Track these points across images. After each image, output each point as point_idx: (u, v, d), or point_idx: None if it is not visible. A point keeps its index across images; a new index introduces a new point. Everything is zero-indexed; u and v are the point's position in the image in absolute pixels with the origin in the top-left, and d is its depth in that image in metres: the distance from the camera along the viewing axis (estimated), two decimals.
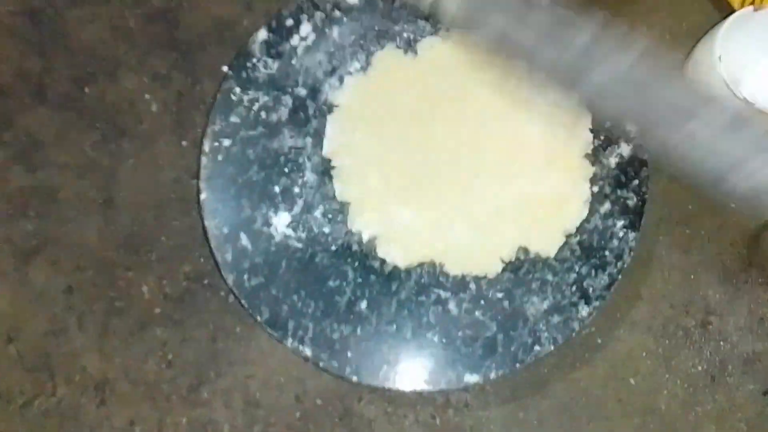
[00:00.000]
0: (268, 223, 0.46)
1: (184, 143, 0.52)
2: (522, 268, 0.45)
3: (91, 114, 0.53)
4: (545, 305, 0.44)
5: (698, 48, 0.46)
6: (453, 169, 0.46)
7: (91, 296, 0.49)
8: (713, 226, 0.48)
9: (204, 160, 0.47)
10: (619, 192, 0.45)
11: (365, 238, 0.46)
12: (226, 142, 0.47)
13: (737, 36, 0.44)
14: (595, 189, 0.45)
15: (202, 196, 0.46)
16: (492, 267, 0.45)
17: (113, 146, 0.52)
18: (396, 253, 0.45)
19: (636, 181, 0.45)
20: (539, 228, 0.45)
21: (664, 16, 0.52)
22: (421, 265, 0.45)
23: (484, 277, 0.45)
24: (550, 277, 0.44)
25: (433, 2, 0.36)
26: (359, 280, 0.45)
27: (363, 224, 0.46)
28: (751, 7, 0.44)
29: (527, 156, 0.45)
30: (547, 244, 0.44)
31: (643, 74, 0.34)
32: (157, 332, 0.48)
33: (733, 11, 0.47)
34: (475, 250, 0.45)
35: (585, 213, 0.45)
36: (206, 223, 0.46)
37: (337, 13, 0.49)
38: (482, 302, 0.44)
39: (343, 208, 0.46)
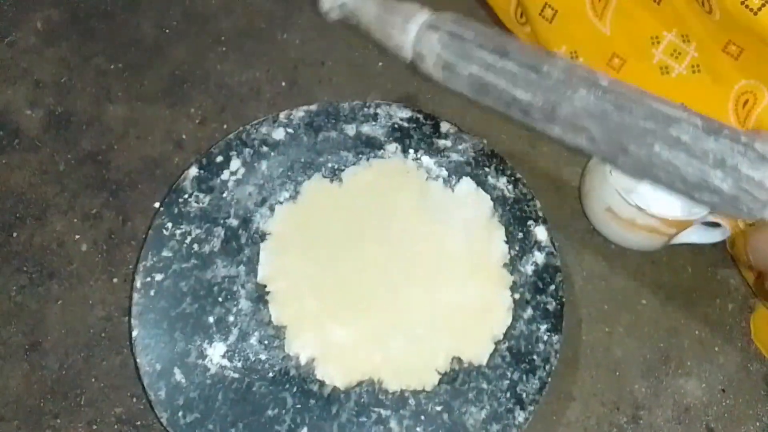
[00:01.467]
0: (203, 355, 0.46)
1: (115, 280, 0.52)
2: (458, 379, 0.46)
3: (19, 258, 0.52)
4: (483, 414, 0.45)
5: (591, 162, 0.52)
6: (384, 286, 0.48)
7: None
8: (630, 323, 0.51)
9: (136, 296, 0.47)
10: (538, 297, 0.48)
11: (303, 360, 0.46)
12: (159, 277, 0.48)
13: None
14: (517, 296, 0.48)
15: (134, 332, 0.46)
16: (429, 379, 0.46)
17: (41, 289, 0.51)
18: (335, 373, 0.46)
19: (552, 286, 0.48)
20: (469, 336, 0.46)
21: None
22: (360, 383, 0.46)
23: (423, 390, 0.45)
24: (485, 385, 0.45)
25: (413, 58, 0.38)
26: (298, 405, 0.45)
27: (300, 346, 0.46)
28: None
29: (451, 269, 0.48)
30: (478, 351, 0.46)
31: (616, 96, 0.34)
32: None
33: None
34: (412, 363, 0.46)
35: (509, 320, 0.47)
36: (138, 360, 0.45)
37: (264, 148, 0.53)
38: (423, 417, 0.44)
39: (279, 332, 0.47)
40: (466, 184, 0.51)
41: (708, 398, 0.49)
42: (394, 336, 0.47)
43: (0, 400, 0.47)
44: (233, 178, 0.52)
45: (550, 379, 0.45)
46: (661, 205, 0.47)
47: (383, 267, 0.49)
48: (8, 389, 0.48)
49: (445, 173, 0.52)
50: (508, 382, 0.45)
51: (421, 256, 0.49)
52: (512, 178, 0.51)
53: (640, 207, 0.46)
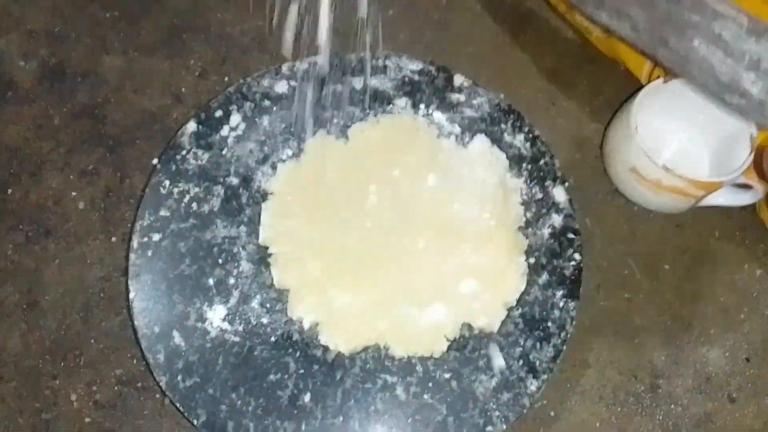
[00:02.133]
0: (202, 318, 0.44)
1: (113, 239, 0.50)
2: (467, 346, 0.44)
3: (14, 216, 0.50)
4: (494, 383, 0.43)
5: (615, 120, 0.48)
6: (391, 249, 0.46)
7: (14, 409, 0.45)
8: (651, 289, 0.49)
9: (132, 257, 0.45)
10: (555, 262, 0.45)
11: (306, 325, 0.44)
12: (156, 237, 0.46)
13: (651, 107, 0.47)
14: (532, 261, 0.46)
15: (131, 294, 0.44)
16: (437, 346, 0.44)
17: (37, 248, 0.50)
18: (339, 339, 0.44)
19: (570, 250, 0.45)
20: (480, 303, 0.44)
21: (582, 91, 0.54)
22: (365, 349, 0.44)
23: (431, 357, 0.44)
24: (496, 352, 0.43)
25: None
26: (301, 371, 0.43)
27: (303, 311, 0.45)
28: (661, 79, 0.47)
29: (462, 232, 0.46)
30: (489, 318, 0.44)
31: None
32: None
33: (641, 84, 0.50)
34: (419, 330, 0.44)
35: (523, 285, 0.45)
36: (136, 322, 0.44)
37: (266, 102, 0.50)
38: (430, 384, 0.43)
39: (281, 296, 0.45)
40: (480, 141, 0.48)
41: (731, 368, 0.47)
42: (400, 301, 0.45)
43: None
44: (233, 134, 0.49)
45: (564, 347, 0.43)
46: (690, 165, 0.44)
47: (390, 229, 0.46)
48: (6, 349, 0.47)
49: (458, 130, 0.49)
50: (520, 349, 0.43)
51: (431, 218, 0.46)
52: (530, 135, 0.48)
53: (667, 167, 0.43)
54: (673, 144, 0.50)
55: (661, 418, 0.46)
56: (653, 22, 0.35)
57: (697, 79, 0.35)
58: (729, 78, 0.34)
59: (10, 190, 0.51)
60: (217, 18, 0.57)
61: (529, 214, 0.46)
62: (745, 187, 0.46)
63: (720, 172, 0.46)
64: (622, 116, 0.47)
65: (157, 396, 0.46)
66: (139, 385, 0.46)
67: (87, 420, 0.45)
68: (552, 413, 0.46)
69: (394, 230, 0.46)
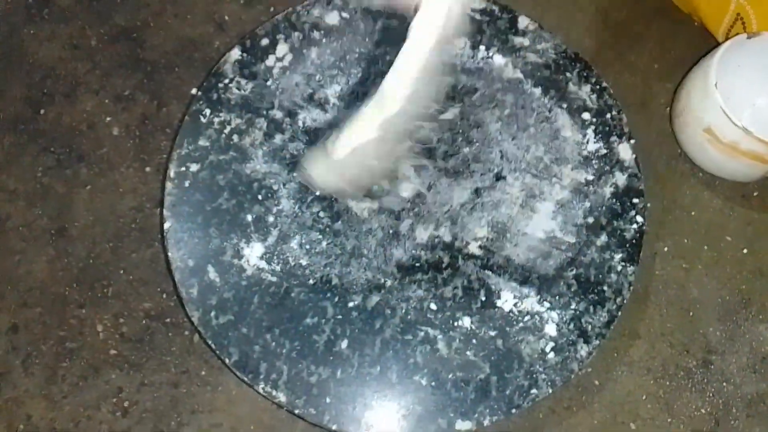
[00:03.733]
0: (239, 255, 0.42)
1: (147, 169, 0.48)
2: (516, 306, 0.41)
3: (46, 137, 0.48)
4: (541, 344, 0.40)
5: (691, 76, 0.45)
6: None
7: (38, 336, 0.44)
8: (711, 261, 0.46)
9: (169, 186, 0.43)
10: (615, 223, 0.43)
11: None
12: (194, 167, 0.43)
13: (732, 63, 0.43)
14: (591, 220, 0.43)
15: (166, 225, 0.42)
16: None
17: (69, 172, 0.48)
18: None
19: (633, 212, 0.43)
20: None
21: (651, 47, 0.51)
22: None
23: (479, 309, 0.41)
24: (546, 313, 0.41)
25: None
26: (339, 316, 0.41)
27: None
28: (744, 35, 0.43)
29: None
30: None
31: None
32: (111, 376, 0.43)
33: (717, 42, 0.46)
34: None
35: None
36: (170, 254, 0.42)
37: (315, 33, 0.47)
38: (474, 341, 0.41)
39: (324, 234, 0.43)
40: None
41: None
42: None
43: (23, 285, 0.45)
44: (279, 64, 0.46)
45: (619, 314, 0.41)
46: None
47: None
48: (32, 274, 0.45)
49: (519, 76, 0.46)
50: (572, 312, 0.41)
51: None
52: (597, 87, 0.45)
53: (747, 129, 0.40)
54: (751, 105, 0.46)
55: (711, 395, 0.44)
56: None
57: None
58: None
59: (43, 111, 0.49)
60: None
61: (590, 171, 0.43)
62: None
63: None
64: (700, 72, 0.43)
65: (186, 333, 0.44)
66: (168, 320, 0.44)
67: (112, 352, 0.44)
68: (597, 382, 0.44)
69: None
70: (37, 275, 0.45)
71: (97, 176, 0.47)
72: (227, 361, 0.40)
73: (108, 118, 0.49)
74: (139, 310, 0.45)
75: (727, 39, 0.45)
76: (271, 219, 0.43)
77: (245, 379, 0.40)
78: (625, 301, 0.41)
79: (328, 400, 0.40)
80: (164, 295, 0.45)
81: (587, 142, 0.44)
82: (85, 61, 0.51)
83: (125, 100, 0.50)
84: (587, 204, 0.43)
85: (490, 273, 0.42)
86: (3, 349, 0.44)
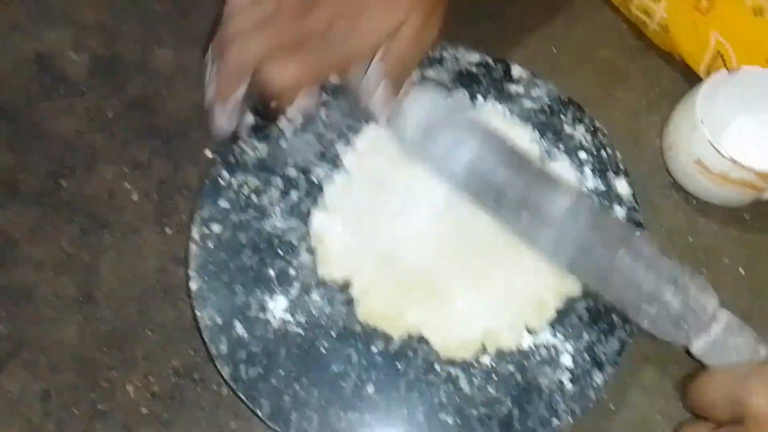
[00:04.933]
0: (264, 309, 0.44)
1: (168, 230, 0.50)
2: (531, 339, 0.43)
3: (69, 208, 0.50)
4: (558, 375, 0.42)
5: (678, 112, 0.48)
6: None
7: (71, 400, 0.45)
8: (710, 283, 0.48)
9: (194, 247, 0.45)
10: None
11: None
12: (217, 228, 0.46)
13: (716, 96, 0.46)
14: None
15: (194, 285, 0.44)
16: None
17: (93, 239, 0.49)
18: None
19: None
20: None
21: (638, 82, 0.54)
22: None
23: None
24: (560, 345, 0.43)
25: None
26: (364, 362, 0.43)
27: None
28: (724, 70, 0.46)
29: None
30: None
31: (580, 210, 0.41)
32: None
33: (698, 77, 0.49)
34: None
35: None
36: (198, 313, 0.43)
37: (322, 94, 0.50)
38: (494, 377, 0.42)
39: (343, 288, 0.45)
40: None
41: None
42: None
43: (53, 352, 0.46)
44: (291, 126, 0.49)
45: (630, 340, 0.43)
46: (755, 157, 0.44)
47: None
48: (63, 341, 0.47)
49: (517, 122, 0.49)
50: (586, 342, 0.43)
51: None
52: (591, 127, 0.48)
53: (735, 159, 0.43)
54: (737, 136, 0.49)
55: None
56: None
57: (617, 286, 0.41)
58: (652, 288, 0.40)
59: (64, 183, 0.51)
60: None
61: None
62: None
63: None
64: (686, 108, 0.46)
65: (215, 387, 0.45)
66: (197, 376, 0.46)
67: (144, 411, 0.45)
68: (612, 407, 0.45)
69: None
70: (67, 341, 0.47)
71: (120, 242, 0.49)
72: (259, 412, 0.41)
73: (127, 185, 0.51)
74: (168, 368, 0.46)
75: (708, 74, 0.48)
76: (292, 272, 0.45)
77: (277, 429, 0.41)
78: (634, 328, 0.43)
79: None
80: (191, 352, 0.46)
81: (586, 180, 0.47)
82: (103, 132, 0.53)
83: (143, 167, 0.52)
84: None
85: None
86: (37, 416, 0.45)
